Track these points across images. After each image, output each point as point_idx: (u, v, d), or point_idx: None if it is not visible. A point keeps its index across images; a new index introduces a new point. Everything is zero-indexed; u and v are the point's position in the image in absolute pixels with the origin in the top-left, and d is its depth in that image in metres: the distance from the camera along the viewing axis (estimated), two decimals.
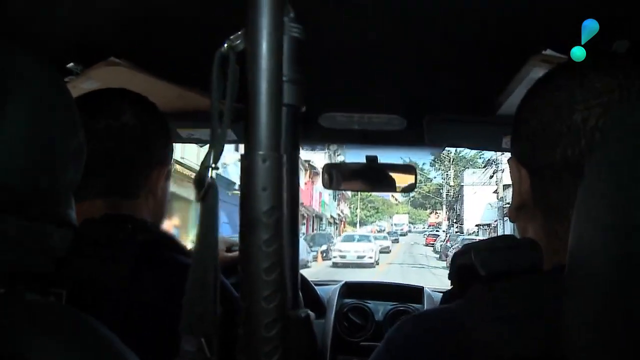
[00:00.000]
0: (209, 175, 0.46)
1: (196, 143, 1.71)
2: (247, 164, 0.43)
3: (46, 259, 0.71)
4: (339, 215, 55.22)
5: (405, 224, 69.54)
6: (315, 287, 2.26)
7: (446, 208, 62.89)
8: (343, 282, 2.35)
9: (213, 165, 0.46)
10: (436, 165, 65.45)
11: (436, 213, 72.72)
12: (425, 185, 72.26)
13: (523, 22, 1.07)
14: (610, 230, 0.46)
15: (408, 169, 2.01)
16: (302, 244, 22.76)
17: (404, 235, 61.74)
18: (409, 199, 78.26)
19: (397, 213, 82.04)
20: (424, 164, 67.90)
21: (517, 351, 0.64)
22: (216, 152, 0.46)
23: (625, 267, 0.44)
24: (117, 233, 0.99)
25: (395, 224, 69.75)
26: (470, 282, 0.72)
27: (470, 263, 0.71)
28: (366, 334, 2.13)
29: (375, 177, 1.99)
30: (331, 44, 1.19)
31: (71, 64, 1.24)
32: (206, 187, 0.46)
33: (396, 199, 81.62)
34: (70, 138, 0.72)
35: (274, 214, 0.42)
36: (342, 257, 26.68)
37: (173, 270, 0.98)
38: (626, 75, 0.72)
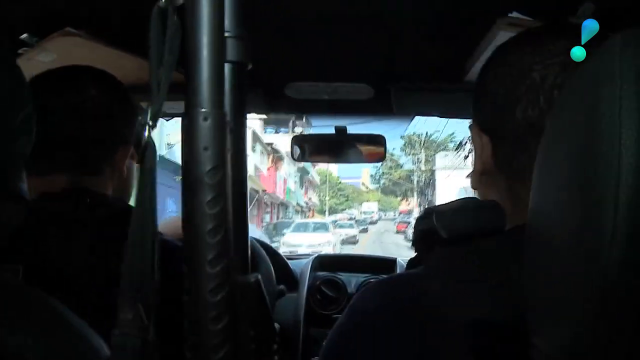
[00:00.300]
0: (146, 134, 0.44)
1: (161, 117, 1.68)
2: (187, 122, 0.41)
3: None
4: (306, 203, 52.96)
5: (375, 211, 64.61)
6: (288, 261, 2.25)
7: (417, 194, 59.95)
8: (315, 255, 2.35)
9: (150, 123, 0.44)
10: (407, 150, 62.91)
11: (407, 200, 69.11)
12: (396, 171, 70.13)
13: None
14: (569, 186, 0.45)
15: (377, 139, 1.99)
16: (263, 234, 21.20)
17: (374, 223, 57.41)
18: (379, 186, 76.96)
19: (367, 201, 76.04)
20: (394, 149, 64.94)
21: (480, 315, 0.63)
22: (155, 110, 0.44)
23: (584, 224, 0.43)
24: (75, 207, 0.97)
25: (364, 212, 64.44)
26: (433, 246, 0.72)
27: (432, 227, 0.70)
28: (339, 306, 2.14)
29: (344, 148, 1.98)
30: (295, 11, 1.17)
31: (25, 35, 1.20)
32: (144, 147, 0.44)
33: (366, 187, 78.86)
34: (16, 110, 0.69)
35: (217, 174, 0.40)
36: (292, 251, 17.78)
37: None
38: (578, 38, 0.73)
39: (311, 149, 2.05)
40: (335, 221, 41.23)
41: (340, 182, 70.85)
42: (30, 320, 0.62)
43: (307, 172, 49.72)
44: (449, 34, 1.26)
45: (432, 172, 51.67)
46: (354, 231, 37.12)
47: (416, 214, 50.85)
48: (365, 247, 32.05)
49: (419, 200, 58.54)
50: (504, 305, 0.61)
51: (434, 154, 54.42)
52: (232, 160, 0.42)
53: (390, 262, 2.31)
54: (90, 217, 0.98)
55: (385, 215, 70.38)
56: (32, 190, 0.99)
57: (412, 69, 1.49)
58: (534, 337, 0.51)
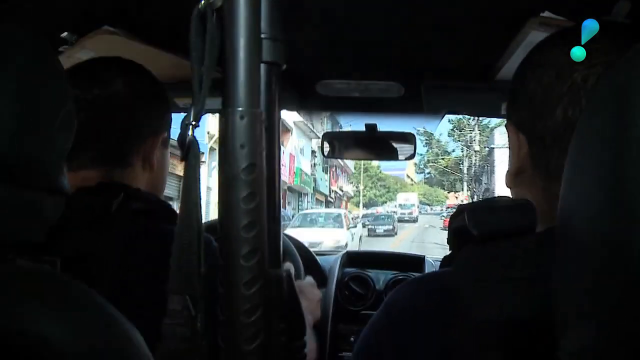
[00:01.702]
0: (189, 133, 0.46)
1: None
2: (224, 120, 0.42)
3: (37, 227, 0.71)
4: (336, 192, 46.79)
5: (415, 204, 53.05)
6: (317, 257, 2.27)
7: (467, 183, 50.21)
8: (345, 252, 2.36)
9: (194, 123, 0.46)
10: (455, 135, 51.77)
11: (455, 192, 59.91)
12: (443, 158, 60.75)
13: None
14: (600, 187, 0.45)
15: (407, 137, 1.99)
16: None
17: (413, 221, 48.49)
18: (424, 176, 68.28)
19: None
20: (440, 134, 58.94)
21: (509, 314, 0.63)
22: (196, 109, 0.46)
23: (614, 225, 0.43)
24: (110, 201, 0.99)
25: (400, 205, 52.49)
26: (466, 244, 0.72)
27: (464, 224, 0.70)
28: (367, 302, 2.15)
29: (374, 146, 1.99)
30: (327, 10, 1.18)
31: (65, 34, 1.23)
32: (187, 145, 0.46)
33: (411, 179, 71.34)
34: (59, 106, 0.72)
35: (252, 171, 0.42)
36: None
37: (166, 239, 0.98)
38: (626, 40, 0.72)
39: (341, 145, 2.06)
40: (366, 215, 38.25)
41: (380, 172, 64.19)
42: (67, 308, 0.64)
43: None
44: (480, 33, 1.26)
45: (490, 151, 42.96)
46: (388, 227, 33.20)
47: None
48: (400, 247, 23.15)
49: (471, 188, 49.79)
50: (532, 305, 0.62)
51: (488, 137, 46.27)
52: (266, 157, 0.44)
53: (419, 260, 2.31)
54: (124, 211, 1.00)
55: (431, 209, 65.18)
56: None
57: (442, 68, 1.49)
58: (560, 338, 0.51)
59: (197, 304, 0.46)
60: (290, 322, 0.46)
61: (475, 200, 39.90)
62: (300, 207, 33.34)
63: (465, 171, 51.11)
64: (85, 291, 0.67)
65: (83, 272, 0.77)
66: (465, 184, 51.45)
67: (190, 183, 0.46)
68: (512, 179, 0.82)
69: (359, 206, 54.49)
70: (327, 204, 42.85)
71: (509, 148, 0.83)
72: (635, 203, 0.41)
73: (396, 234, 33.37)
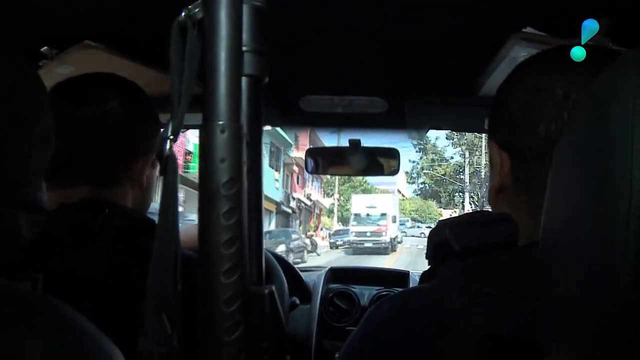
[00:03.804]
0: (167, 147, 0.45)
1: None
2: (205, 134, 0.41)
3: (14, 245, 0.70)
4: (300, 201, 35.85)
5: (391, 217, 34.35)
6: (301, 273, 2.26)
7: (470, 194, 40.16)
8: (328, 268, 2.35)
9: (171, 137, 0.45)
10: (454, 139, 44.28)
11: (454, 207, 50.19)
12: (440, 165, 49.95)
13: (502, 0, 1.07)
14: (581, 202, 0.45)
15: (391, 152, 2.00)
16: None
17: (384, 251, 30.56)
18: (417, 187, 57.36)
19: (402, 211, 53.20)
20: (437, 138, 51.95)
21: (494, 329, 0.63)
22: (175, 123, 0.45)
23: (596, 239, 0.43)
24: (93, 218, 0.98)
25: (357, 217, 34.13)
26: (446, 259, 0.72)
27: (445, 240, 0.70)
28: (352, 318, 2.14)
29: (358, 161, 1.99)
30: (310, 26, 1.18)
31: (45, 48, 1.22)
32: (165, 160, 0.45)
33: (402, 194, 59.42)
34: (36, 122, 0.71)
35: (233, 186, 0.41)
36: None
37: (147, 257, 0.97)
38: (604, 60, 0.73)
39: (325, 161, 2.06)
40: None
41: (366, 183, 52.57)
42: (47, 329, 0.62)
43: (290, 146, 31.57)
44: (462, 49, 1.27)
45: None
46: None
47: None
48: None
49: (472, 202, 40.09)
50: (515, 321, 0.61)
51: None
52: (248, 172, 0.43)
53: (404, 275, 2.31)
54: (108, 228, 0.98)
55: (426, 227, 49.13)
56: (53, 202, 1.00)
57: (425, 83, 1.50)
58: (545, 354, 0.51)
59: (174, 322, 0.45)
60: (273, 340, 0.45)
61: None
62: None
63: (467, 180, 41.70)
64: (66, 311, 0.66)
65: (65, 290, 0.76)
66: (466, 194, 41.33)
67: (168, 199, 0.45)
68: (495, 196, 0.82)
69: (344, 222, 44.74)
70: (283, 216, 32.26)
71: (490, 166, 0.83)
72: (616, 219, 0.40)
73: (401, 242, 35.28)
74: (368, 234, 32.40)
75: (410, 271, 2.34)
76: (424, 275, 0.86)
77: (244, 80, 0.45)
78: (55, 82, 1.11)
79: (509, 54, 1.12)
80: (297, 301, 2.04)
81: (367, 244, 31.60)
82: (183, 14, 0.45)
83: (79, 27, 1.18)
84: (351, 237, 32.51)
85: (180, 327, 0.45)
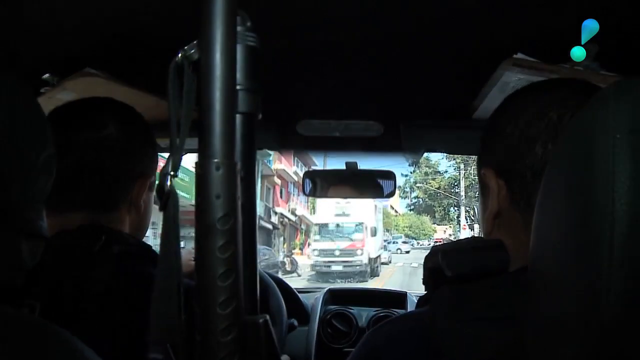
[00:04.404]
0: (168, 183, 0.46)
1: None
2: (200, 171, 0.43)
3: (15, 271, 0.71)
4: (283, 217, 31.40)
5: (369, 231, 24.49)
6: (299, 295, 2.26)
7: (466, 208, 38.12)
8: (326, 289, 2.36)
9: (172, 173, 0.46)
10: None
11: (449, 222, 49.50)
12: (434, 179, 47.49)
13: (494, 27, 1.09)
14: (567, 227, 0.47)
15: (387, 174, 2.02)
16: None
17: (359, 273, 22.41)
18: (410, 202, 54.04)
19: (395, 227, 52.52)
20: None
21: (483, 354, 0.64)
22: (175, 160, 0.47)
23: (581, 264, 0.44)
24: (91, 244, 0.99)
25: (323, 228, 24.58)
26: (441, 284, 0.73)
27: (439, 265, 0.72)
28: (350, 340, 2.14)
29: (356, 184, 2.00)
30: (306, 52, 1.20)
31: (47, 75, 1.24)
32: (166, 196, 0.46)
33: (395, 210, 57.55)
34: (39, 150, 0.72)
35: (228, 221, 0.42)
36: None
37: (144, 283, 0.98)
38: (595, 86, 0.76)
39: (323, 184, 2.08)
40: None
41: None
42: (45, 355, 0.63)
43: (268, 155, 23.67)
44: (456, 74, 1.29)
45: None
46: None
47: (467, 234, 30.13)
48: None
49: (468, 217, 37.91)
50: (507, 345, 0.63)
51: None
52: (242, 207, 0.44)
53: (401, 296, 2.31)
54: (105, 254, 0.99)
55: (418, 243, 49.21)
56: (51, 228, 1.01)
57: (420, 107, 1.52)
58: None
59: (178, 353, 0.46)
60: None
61: (475, 230, 33.80)
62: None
63: (462, 193, 39.20)
64: (65, 337, 0.67)
65: (62, 315, 0.77)
66: (462, 208, 39.23)
67: (169, 232, 0.47)
68: (491, 222, 0.83)
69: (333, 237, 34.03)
70: (263, 232, 26.66)
71: (483, 193, 0.84)
72: (600, 245, 0.42)
73: (390, 262, 27.26)
74: (337, 252, 22.82)
75: (408, 292, 2.34)
76: (421, 300, 0.87)
77: (238, 117, 0.47)
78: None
79: (501, 78, 1.14)
80: (295, 323, 2.04)
81: (335, 267, 22.49)
82: (180, 54, 0.47)
83: (80, 55, 1.20)
84: (312, 258, 23.60)
85: (185, 357, 0.46)
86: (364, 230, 23.56)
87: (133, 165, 1.11)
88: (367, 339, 0.81)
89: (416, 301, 2.21)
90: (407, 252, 39.27)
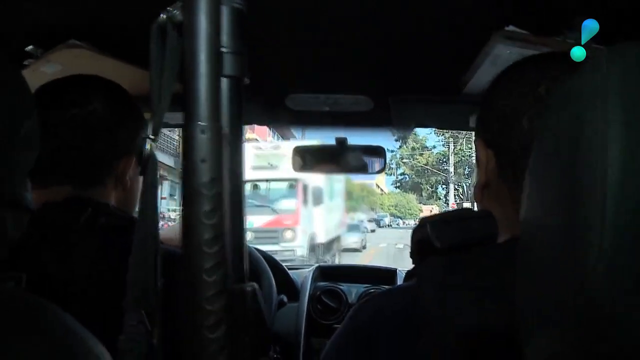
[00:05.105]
0: (147, 147, 0.45)
1: (163, 127, 1.70)
2: (186, 135, 0.42)
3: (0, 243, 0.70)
4: None
5: (306, 194, 14.40)
6: (289, 271, 2.26)
7: (455, 185, 36.57)
8: (316, 266, 2.36)
9: (152, 137, 0.45)
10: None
11: (437, 200, 46.59)
12: (422, 154, 44.76)
13: None
14: (558, 198, 0.46)
15: (377, 150, 2.01)
16: None
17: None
18: (396, 179, 51.19)
19: (380, 205, 50.61)
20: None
21: (474, 324, 0.64)
22: (156, 123, 0.46)
23: (571, 235, 0.44)
24: (77, 216, 0.98)
25: None
26: (429, 256, 0.73)
27: (427, 237, 0.71)
28: (340, 316, 2.15)
29: (345, 159, 2.00)
30: (294, 24, 1.18)
31: (30, 47, 1.22)
32: (145, 159, 0.45)
33: (381, 189, 54.71)
34: (21, 121, 0.71)
35: (214, 186, 0.42)
36: None
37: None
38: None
39: (312, 159, 2.07)
40: None
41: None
42: (35, 328, 0.63)
43: None
44: (446, 47, 1.28)
45: None
46: None
47: None
48: None
49: (458, 194, 36.20)
50: (496, 315, 0.62)
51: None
52: (229, 171, 0.44)
53: (391, 272, 2.32)
54: (92, 226, 0.99)
55: (404, 222, 47.31)
56: (35, 201, 1.00)
57: (410, 82, 1.51)
58: (525, 347, 0.52)
59: (153, 319, 0.46)
60: (255, 337, 0.46)
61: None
62: None
63: (451, 170, 36.44)
64: (54, 310, 0.66)
65: (50, 289, 0.76)
66: (451, 186, 36.83)
67: (148, 197, 0.46)
68: (480, 192, 0.84)
69: None
70: None
71: (477, 164, 0.84)
72: (592, 217, 0.41)
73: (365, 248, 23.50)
74: (250, 234, 12.56)
75: (398, 269, 2.35)
76: (408, 274, 0.87)
77: (223, 81, 0.46)
78: (42, 82, 1.11)
79: (492, 52, 1.13)
80: (285, 299, 2.05)
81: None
82: (162, 15, 0.46)
83: (64, 26, 1.18)
84: None
85: (160, 323, 0.46)
86: (299, 194, 14.30)
87: (118, 142, 1.11)
88: (353, 314, 0.81)
89: None
90: (373, 230, 35.90)
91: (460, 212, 0.75)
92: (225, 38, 0.45)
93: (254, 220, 12.76)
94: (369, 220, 38.73)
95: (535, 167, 0.53)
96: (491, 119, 0.81)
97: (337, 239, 17.47)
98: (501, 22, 1.08)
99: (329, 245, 15.23)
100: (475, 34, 1.12)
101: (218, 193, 0.42)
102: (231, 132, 0.45)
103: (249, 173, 12.88)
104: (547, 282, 0.48)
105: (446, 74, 1.39)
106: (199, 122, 0.42)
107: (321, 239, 15.14)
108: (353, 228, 23.09)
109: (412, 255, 0.80)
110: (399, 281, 2.24)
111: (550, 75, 0.75)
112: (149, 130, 0.46)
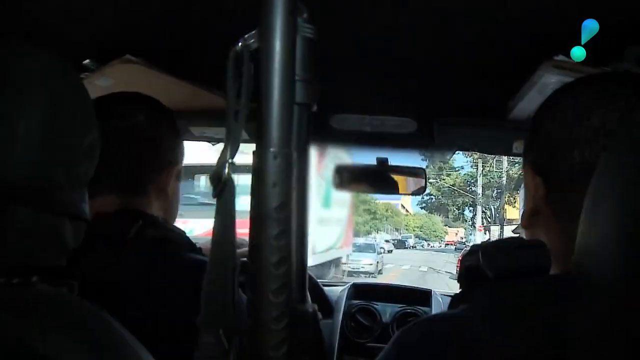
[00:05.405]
0: (226, 171, 0.47)
1: (208, 141, 1.73)
2: (258, 160, 0.43)
3: (58, 252, 0.72)
4: None
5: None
6: (324, 288, 2.27)
7: (483, 208, 35.41)
8: (351, 284, 2.36)
9: (230, 161, 0.47)
10: None
11: (464, 222, 46.26)
12: (449, 176, 42.32)
13: (535, 27, 1.08)
14: (617, 231, 0.46)
15: (417, 171, 2.01)
16: None
17: None
18: (422, 200, 48.57)
19: (405, 226, 52.50)
20: None
21: (521, 354, 0.64)
22: (232, 148, 0.47)
23: (629, 273, 0.44)
24: (128, 228, 1.01)
25: None
26: (477, 283, 0.73)
27: (478, 264, 0.71)
28: (373, 335, 2.14)
29: (385, 180, 2.00)
30: (344, 45, 1.20)
31: (87, 61, 1.26)
32: (223, 183, 0.47)
33: (406, 209, 57.03)
34: (85, 133, 0.74)
35: (283, 210, 0.43)
36: None
37: (182, 267, 1.00)
38: None
39: (351, 178, 2.08)
40: None
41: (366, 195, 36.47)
42: (87, 334, 0.64)
43: None
44: (494, 72, 1.28)
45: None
46: None
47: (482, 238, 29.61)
48: None
49: (486, 216, 35.10)
50: (543, 348, 0.62)
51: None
52: (296, 195, 0.45)
53: (426, 294, 2.31)
54: (142, 238, 1.01)
55: (429, 244, 47.38)
56: None
57: (455, 105, 1.51)
58: None
59: (230, 338, 0.47)
60: (314, 357, 0.47)
61: (488, 232, 31.42)
62: None
63: (479, 191, 35.69)
64: (105, 317, 0.68)
65: (101, 298, 0.78)
66: (479, 208, 35.88)
67: (225, 220, 0.48)
68: (528, 219, 0.83)
69: None
70: None
71: (525, 189, 0.84)
72: None
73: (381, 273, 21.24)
74: None
75: (433, 290, 2.34)
76: (455, 299, 0.87)
77: (295, 108, 0.47)
78: (94, 95, 1.14)
79: (541, 80, 1.13)
80: (320, 316, 2.05)
81: None
82: (240, 43, 0.48)
83: (120, 42, 1.22)
84: None
85: (237, 344, 0.47)
86: None
87: (160, 153, 1.15)
88: (399, 337, 0.80)
89: (441, 300, 2.23)
90: (390, 251, 34.72)
91: (513, 241, 0.75)
92: (297, 66, 0.47)
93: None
94: (386, 241, 37.99)
95: (593, 202, 0.53)
96: (539, 145, 0.80)
97: (335, 261, 14.18)
98: (551, 51, 1.08)
99: (320, 269, 11.88)
100: (524, 61, 1.13)
101: (287, 216, 0.43)
102: (299, 157, 0.47)
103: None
104: (601, 318, 0.48)
105: (492, 99, 1.39)
106: (271, 149, 0.43)
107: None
108: (366, 248, 21.18)
109: (459, 280, 0.80)
110: (434, 303, 2.22)
111: (605, 103, 0.73)
112: (227, 155, 0.47)
